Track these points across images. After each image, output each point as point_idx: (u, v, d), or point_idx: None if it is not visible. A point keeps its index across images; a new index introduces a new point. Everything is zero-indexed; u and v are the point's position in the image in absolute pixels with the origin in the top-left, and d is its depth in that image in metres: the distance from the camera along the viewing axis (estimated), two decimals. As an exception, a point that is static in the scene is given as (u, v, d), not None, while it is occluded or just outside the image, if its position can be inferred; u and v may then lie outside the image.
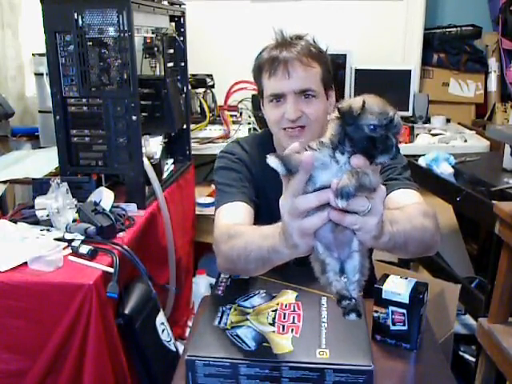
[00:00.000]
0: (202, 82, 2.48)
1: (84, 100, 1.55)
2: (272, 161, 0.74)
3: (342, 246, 0.80)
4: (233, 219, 1.15)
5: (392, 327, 1.08)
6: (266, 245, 0.89)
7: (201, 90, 2.50)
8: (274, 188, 0.90)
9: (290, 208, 0.76)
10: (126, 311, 1.28)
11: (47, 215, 1.42)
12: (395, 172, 1.23)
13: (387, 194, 0.84)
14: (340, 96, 1.19)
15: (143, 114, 1.71)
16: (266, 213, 1.16)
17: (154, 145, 1.77)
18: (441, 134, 2.57)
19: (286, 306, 1.06)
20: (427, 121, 2.80)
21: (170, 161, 1.99)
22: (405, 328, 1.06)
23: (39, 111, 2.18)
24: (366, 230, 0.76)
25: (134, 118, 1.53)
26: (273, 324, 1.00)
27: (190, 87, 2.21)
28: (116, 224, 1.41)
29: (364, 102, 0.72)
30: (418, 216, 1.00)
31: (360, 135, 0.72)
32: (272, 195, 0.95)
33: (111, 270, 1.24)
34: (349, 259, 0.80)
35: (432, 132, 2.61)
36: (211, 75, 2.54)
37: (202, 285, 2.33)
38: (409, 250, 0.95)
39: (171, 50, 1.95)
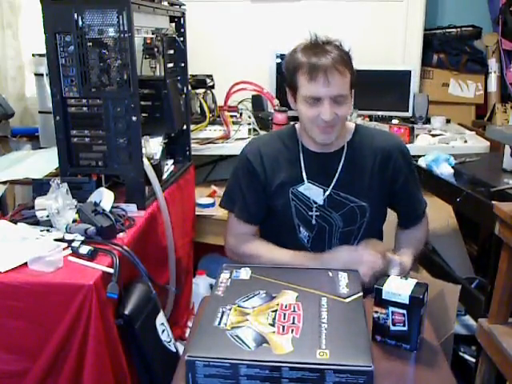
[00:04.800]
0: (201, 82, 2.48)
1: (84, 100, 1.54)
2: None
3: None
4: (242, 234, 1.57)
5: (392, 328, 1.08)
6: (293, 263, 1.39)
7: (201, 91, 2.50)
8: (281, 167, 1.48)
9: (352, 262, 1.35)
10: (126, 312, 1.28)
11: (47, 216, 1.42)
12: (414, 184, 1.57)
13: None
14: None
15: (143, 114, 1.71)
16: (277, 185, 1.49)
17: (153, 145, 1.77)
18: (441, 135, 2.57)
19: (286, 307, 1.06)
20: (427, 121, 2.79)
21: (170, 161, 1.99)
22: (405, 328, 1.07)
23: (39, 112, 2.18)
24: None
25: (134, 118, 1.53)
26: (273, 324, 1.00)
27: (190, 88, 2.21)
28: (116, 224, 1.41)
29: None
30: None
31: None
32: (282, 173, 1.48)
33: (111, 270, 1.24)
34: None
35: (432, 132, 2.61)
36: (211, 76, 2.53)
37: (202, 285, 2.33)
38: None
39: (171, 51, 1.94)
